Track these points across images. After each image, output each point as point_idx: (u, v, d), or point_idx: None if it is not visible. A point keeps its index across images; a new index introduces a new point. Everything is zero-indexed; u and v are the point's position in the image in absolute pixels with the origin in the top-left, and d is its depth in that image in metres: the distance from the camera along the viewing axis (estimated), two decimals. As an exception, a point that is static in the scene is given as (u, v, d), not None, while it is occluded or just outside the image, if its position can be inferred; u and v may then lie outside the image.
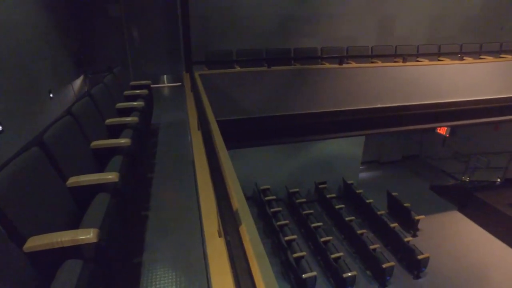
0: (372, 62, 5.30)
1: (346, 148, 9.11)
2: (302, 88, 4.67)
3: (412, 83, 5.26)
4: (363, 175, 10.74)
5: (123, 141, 2.32)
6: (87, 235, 1.27)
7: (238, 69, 4.57)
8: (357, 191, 8.68)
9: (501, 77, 5.95)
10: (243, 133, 4.82)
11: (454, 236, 8.18)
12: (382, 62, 5.21)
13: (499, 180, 9.27)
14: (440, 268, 7.08)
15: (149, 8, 5.92)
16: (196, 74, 4.14)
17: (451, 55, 5.86)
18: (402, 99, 5.24)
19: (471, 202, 8.74)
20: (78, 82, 4.77)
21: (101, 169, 2.11)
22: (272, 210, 7.81)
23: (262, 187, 8.70)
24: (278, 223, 7.36)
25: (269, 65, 4.44)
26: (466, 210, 8.88)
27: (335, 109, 4.81)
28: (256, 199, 8.90)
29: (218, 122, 4.43)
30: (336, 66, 4.71)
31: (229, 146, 4.85)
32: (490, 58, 5.89)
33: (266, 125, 4.74)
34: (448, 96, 5.58)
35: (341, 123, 4.99)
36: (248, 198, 9.04)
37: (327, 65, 4.80)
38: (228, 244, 0.93)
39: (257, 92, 4.55)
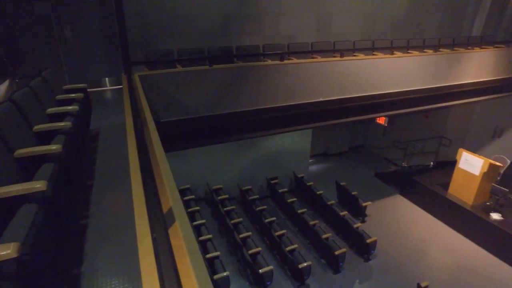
0: (312, 58, 5.49)
1: (295, 142, 9.37)
2: (246, 85, 4.71)
3: (350, 76, 5.55)
4: (312, 167, 11.12)
5: (54, 147, 2.17)
6: (6, 251, 1.16)
7: (180, 68, 4.48)
8: (308, 184, 8.96)
9: (426, 69, 6.50)
10: (190, 133, 4.75)
11: (397, 218, 8.78)
12: (322, 57, 5.43)
13: (432, 163, 10.10)
14: (387, 248, 7.56)
15: (82, 4, 5.57)
16: (135, 75, 4.00)
17: (384, 49, 6.27)
18: (342, 92, 5.51)
19: (410, 185, 9.44)
20: (2, 88, 4.38)
21: (29, 178, 1.95)
22: (225, 209, 7.80)
23: (214, 187, 8.65)
24: (232, 221, 7.37)
25: (210, 64, 4.42)
26: (406, 193, 9.58)
27: (279, 105, 4.92)
28: (209, 199, 8.84)
29: (163, 123, 4.34)
30: (278, 62, 4.82)
31: (176, 147, 4.78)
32: (416, 53, 6.39)
33: (213, 124, 4.71)
34: (383, 88, 5.97)
35: (286, 118, 5.12)
36: (200, 199, 8.94)
37: (269, 62, 4.89)
38: (154, 242, 0.91)
39: (201, 91, 4.51)
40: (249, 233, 7.08)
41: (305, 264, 6.33)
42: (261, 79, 4.77)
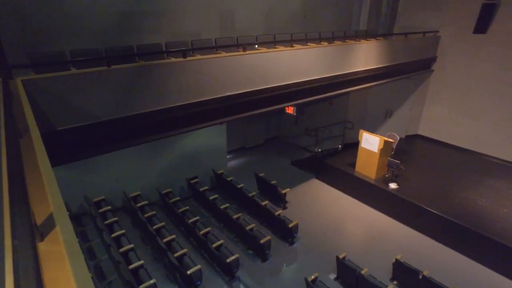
0: (216, 54, 5.54)
1: (210, 139, 9.38)
2: (151, 85, 4.55)
3: (254, 70, 5.75)
4: (232, 163, 11.29)
5: None
6: None
7: (74, 71, 4.13)
8: (228, 179, 9.07)
9: (323, 60, 7.07)
10: (94, 139, 4.43)
11: (315, 200, 9.42)
12: (226, 52, 5.51)
13: (340, 146, 11.06)
14: (309, 229, 8.07)
15: None
16: (17, 80, 3.56)
17: (284, 43, 6.63)
18: (248, 85, 5.68)
19: (323, 169, 10.20)
20: None
21: None
22: (146, 215, 7.48)
23: (132, 195, 8.21)
24: (155, 227, 7.11)
25: (109, 64, 4.16)
26: (321, 176, 10.33)
27: (187, 102, 4.87)
28: (128, 208, 8.38)
29: (60, 132, 3.95)
30: (181, 59, 4.75)
31: (78, 156, 4.41)
32: (313, 45, 6.90)
33: (119, 128, 4.45)
34: (287, 79, 6.32)
35: (195, 115, 5.09)
36: (118, 209, 8.43)
37: (173, 59, 4.80)
38: (14, 249, 0.85)
39: (102, 93, 4.22)
40: (173, 236, 6.91)
41: (232, 258, 6.42)
42: (166, 77, 4.66)
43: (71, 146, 4.21)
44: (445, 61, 10.95)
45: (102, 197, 7.97)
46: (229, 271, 6.63)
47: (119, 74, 4.24)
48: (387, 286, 5.80)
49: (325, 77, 7.11)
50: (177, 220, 8.19)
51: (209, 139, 9.33)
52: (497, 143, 10.36)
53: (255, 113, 6.05)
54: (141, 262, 6.04)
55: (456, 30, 10.46)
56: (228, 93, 5.35)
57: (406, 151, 10.88)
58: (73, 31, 5.80)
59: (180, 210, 7.80)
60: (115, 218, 7.28)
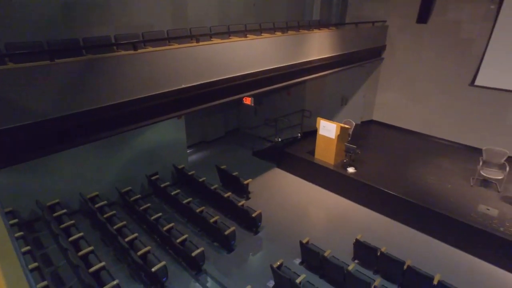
0: (169, 45, 5.40)
1: (169, 134, 9.19)
2: (101, 79, 4.34)
3: (209, 61, 5.67)
4: (193, 157, 11.17)
5: None
6: None
7: (11, 65, 3.84)
8: (190, 173, 8.97)
9: (278, 49, 7.14)
10: (40, 139, 4.17)
11: (277, 189, 9.58)
12: (179, 44, 5.39)
13: (299, 134, 11.30)
14: (272, 218, 8.21)
15: None
16: None
17: (239, 33, 6.60)
18: (203, 77, 5.60)
19: (284, 157, 10.38)
20: None
21: None
22: (105, 216, 7.21)
23: (89, 196, 7.87)
24: (115, 227, 6.89)
25: (52, 58, 3.92)
26: (282, 165, 10.51)
27: (141, 96, 4.71)
28: (86, 210, 8.03)
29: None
30: (132, 52, 4.58)
31: (22, 158, 4.14)
32: (267, 35, 6.94)
33: (68, 125, 4.22)
34: (242, 69, 6.32)
35: (149, 109, 4.94)
36: (76, 212, 8.06)
37: (123, 52, 4.62)
38: None
39: (46, 89, 3.95)
40: (135, 235, 6.75)
41: (198, 251, 6.40)
42: (117, 71, 4.46)
43: (12, 147, 3.94)
44: (393, 50, 11.49)
45: (57, 201, 7.57)
46: (195, 265, 6.60)
47: (64, 69, 4.00)
48: (348, 265, 6.08)
49: (280, 66, 7.19)
50: (139, 218, 7.99)
51: (168, 134, 9.14)
52: (442, 125, 11.11)
53: (211, 105, 5.99)
54: (102, 263, 5.85)
55: (402, 20, 11.00)
56: (183, 85, 5.25)
57: (362, 136, 11.35)
58: (7, 23, 5.37)
59: (141, 208, 7.62)
60: (71, 221, 6.96)
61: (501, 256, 6.88)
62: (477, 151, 9.09)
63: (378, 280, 5.83)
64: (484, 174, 8.36)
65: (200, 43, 5.46)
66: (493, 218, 7.32)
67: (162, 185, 8.48)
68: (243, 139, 12.78)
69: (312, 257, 6.54)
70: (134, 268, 6.57)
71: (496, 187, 8.46)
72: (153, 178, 8.81)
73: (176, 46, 5.20)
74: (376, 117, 12.72)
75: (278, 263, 6.08)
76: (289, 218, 8.34)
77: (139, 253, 6.20)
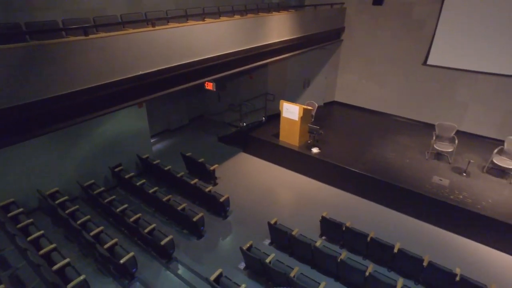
0: (123, 30, 5.17)
1: (131, 124, 8.92)
2: (50, 67, 4.07)
3: (167, 46, 5.50)
4: (157, 146, 10.94)
5: None
6: None
7: None
8: (154, 162, 8.80)
9: (238, 33, 7.05)
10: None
11: (244, 173, 9.65)
12: (134, 29, 5.18)
13: (264, 118, 11.37)
14: (241, 202, 8.29)
15: None
16: None
17: (196, 17, 6.44)
18: (162, 63, 5.44)
19: (249, 142, 10.43)
20: None
21: None
22: (67, 211, 6.94)
23: (48, 192, 7.52)
24: (79, 222, 6.66)
25: (-11, 45, 3.62)
26: (248, 150, 10.57)
27: (95, 84, 4.50)
28: (46, 207, 7.68)
29: None
30: (83, 38, 4.33)
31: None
32: (226, 18, 6.83)
33: (13, 118, 3.94)
34: (202, 54, 6.21)
35: (106, 98, 4.74)
36: (34, 210, 7.69)
37: (72, 38, 4.36)
38: None
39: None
40: (101, 228, 6.57)
41: (167, 239, 6.36)
42: (67, 58, 4.20)
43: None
44: (352, 31, 11.75)
45: (11, 200, 7.16)
46: (165, 254, 6.57)
47: (6, 56, 3.73)
48: (316, 241, 6.31)
49: (240, 50, 7.14)
50: (104, 212, 7.77)
51: (129, 124, 8.86)
52: (399, 104, 11.62)
53: (172, 92, 5.85)
54: (67, 260, 5.66)
55: (359, 2, 11.23)
56: (140, 72, 5.08)
57: (325, 117, 11.63)
58: None
59: (106, 201, 7.40)
60: (29, 220, 6.63)
61: (454, 222, 7.43)
62: (431, 127, 9.62)
63: (344, 253, 6.11)
64: (437, 148, 8.89)
65: (157, 28, 5.28)
66: (445, 188, 7.85)
67: (127, 176, 8.26)
68: (208, 125, 12.67)
69: (281, 237, 6.71)
70: (101, 261, 6.43)
71: (447, 159, 9.05)
72: (116, 169, 8.56)
73: (131, 31, 4.99)
74: (338, 98, 13.05)
75: (248, 245, 6.19)
76: (257, 200, 8.46)
77: (106, 246, 6.06)
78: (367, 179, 8.36)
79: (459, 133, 9.16)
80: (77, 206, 7.19)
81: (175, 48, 5.63)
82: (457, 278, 5.66)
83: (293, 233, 6.48)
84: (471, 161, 8.39)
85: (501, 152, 8.43)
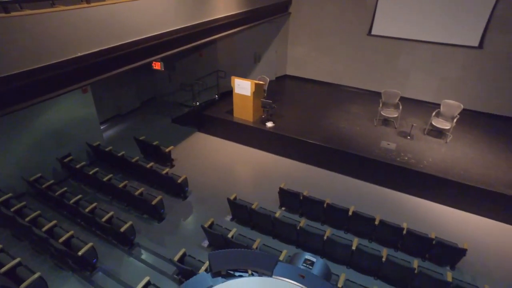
0: (54, 8, 4.76)
1: (77, 111, 8.42)
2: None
3: (106, 24, 5.16)
4: (109, 132, 10.48)
5: None
6: None
7: None
8: (106, 149, 8.44)
9: (181, 9, 6.76)
10: None
11: (201, 152, 9.58)
12: (66, 6, 4.78)
13: (216, 96, 11.24)
14: (199, 181, 8.27)
15: None
16: None
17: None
18: (102, 43, 5.13)
19: (204, 121, 10.31)
20: None
21: None
22: (13, 209, 6.52)
23: (-13, 191, 6.99)
24: (27, 218, 6.30)
25: None
26: (203, 129, 10.46)
27: (26, 69, 4.15)
28: (-12, 207, 7.14)
29: None
30: (3, 15, 3.92)
31: None
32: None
33: None
34: (144, 32, 5.91)
35: (41, 84, 4.39)
36: (-25, 211, 7.11)
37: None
38: None
39: None
40: (54, 222, 6.28)
41: (126, 226, 6.24)
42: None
43: None
44: (299, 4, 11.76)
45: None
46: (126, 240, 6.46)
47: None
48: (275, 212, 6.52)
49: (186, 26, 6.90)
50: (56, 205, 7.39)
51: (75, 111, 8.35)
52: (348, 74, 12.00)
53: (116, 73, 5.56)
54: (17, 260, 5.37)
55: (304, -28, 11.21)
56: (79, 53, 4.75)
57: (277, 91, 11.74)
58: None
59: (57, 194, 7.04)
60: (-31, 222, 6.16)
61: (401, 182, 8.00)
62: (378, 95, 10.09)
63: (302, 221, 6.39)
64: (384, 114, 9.39)
65: (92, 4, 4.92)
66: (392, 151, 8.38)
67: (78, 166, 7.87)
68: (160, 107, 12.30)
69: (241, 212, 6.84)
70: (58, 256, 6.18)
71: (394, 124, 9.61)
72: (65, 160, 8.11)
73: (62, 8, 4.61)
74: (290, 71, 13.18)
75: (209, 222, 6.25)
76: (215, 178, 8.49)
77: (61, 240, 5.83)
78: (321, 149, 8.67)
79: (403, 99, 9.71)
80: (24, 203, 6.77)
81: (114, 26, 5.31)
82: (404, 232, 6.18)
83: (253, 206, 6.64)
84: (414, 124, 8.97)
85: (438, 115, 9.10)
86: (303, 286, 1.60)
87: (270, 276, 1.66)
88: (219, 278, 1.71)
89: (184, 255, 5.60)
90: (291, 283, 1.61)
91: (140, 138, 8.84)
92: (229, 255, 1.75)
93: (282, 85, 12.66)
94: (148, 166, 7.84)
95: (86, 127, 8.72)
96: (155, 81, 12.59)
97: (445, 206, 7.64)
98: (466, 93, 10.22)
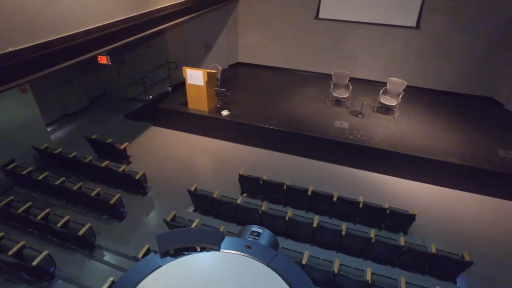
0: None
1: (17, 113, 7.81)
2: None
3: (40, 16, 4.80)
4: (57, 134, 9.89)
5: None
6: None
7: None
8: (56, 152, 7.99)
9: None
10: None
11: (157, 146, 9.36)
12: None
13: (169, 88, 10.98)
14: (159, 176, 8.11)
15: None
16: None
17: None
18: (38, 36, 4.78)
19: (158, 114, 10.06)
20: None
21: None
22: (-48, 224, 6.03)
23: None
24: (-31, 233, 5.86)
25: None
26: (158, 122, 10.21)
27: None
28: None
29: None
30: None
31: None
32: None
33: None
34: (84, 25, 5.62)
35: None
36: None
37: None
38: None
39: None
40: (1, 234, 5.89)
41: (85, 228, 6.01)
42: None
43: None
44: (246, -11, 11.71)
45: None
46: (86, 244, 6.23)
47: None
48: (237, 199, 6.59)
49: (131, 17, 6.64)
50: (2, 216, 6.91)
51: (14, 112, 7.75)
52: (299, 58, 12.23)
53: (56, 70, 5.24)
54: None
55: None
56: (10, 49, 4.42)
57: (231, 79, 11.71)
58: None
59: (2, 204, 6.58)
60: None
61: (355, 159, 8.40)
62: (329, 77, 10.40)
63: (264, 205, 6.52)
64: (335, 95, 9.73)
65: (21, -3, 4.57)
66: (345, 130, 8.74)
67: (24, 172, 7.39)
68: (111, 103, 11.79)
69: (203, 202, 6.85)
70: (9, 271, 5.81)
71: (345, 104, 10.00)
72: (9, 167, 7.56)
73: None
74: (242, 59, 13.17)
75: (171, 216, 6.19)
76: (175, 171, 8.39)
77: (11, 252, 5.48)
78: (278, 133, 8.84)
79: (352, 79, 10.11)
80: (-37, 217, 6.28)
81: (50, 18, 4.98)
82: (361, 205, 6.54)
83: (214, 195, 6.66)
84: (364, 103, 9.40)
85: (385, 92, 9.60)
86: (250, 256, 1.67)
87: (218, 250, 1.72)
88: (168, 258, 1.74)
89: (148, 251, 5.51)
90: (238, 254, 1.68)
91: (92, 137, 8.45)
92: (176, 235, 1.78)
93: (235, 73, 12.64)
94: (103, 165, 7.55)
95: (30, 129, 8.15)
96: (104, 76, 12.02)
97: (396, 177, 8.16)
98: (408, 71, 10.85)
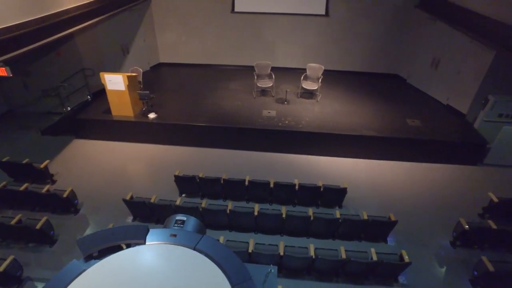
0: None
1: None
2: None
3: None
4: (-42, 162, 8.70)
5: None
6: None
7: None
8: (-40, 182, 7.06)
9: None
10: None
11: (84, 159, 8.73)
12: None
13: (89, 97, 10.28)
14: (89, 189, 7.61)
15: None
16: None
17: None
18: None
19: (80, 125, 9.38)
20: None
21: None
22: None
23: None
24: None
25: None
26: (81, 134, 9.51)
27: None
28: None
29: None
30: None
31: None
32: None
33: None
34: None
35: None
36: None
37: None
38: None
39: None
40: None
41: (6, 263, 5.43)
42: None
43: None
44: (157, -13, 11.38)
45: None
46: (11, 279, 5.64)
47: None
48: (175, 201, 6.50)
49: (29, 21, 6.06)
50: None
51: None
52: (220, 53, 12.31)
53: None
54: None
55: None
56: None
57: (154, 81, 11.38)
58: None
59: None
60: None
61: (286, 144, 8.78)
62: (252, 68, 10.65)
63: (204, 202, 6.54)
64: (260, 85, 10.02)
65: None
66: (273, 118, 9.08)
67: None
68: (22, 120, 10.67)
69: (141, 209, 6.63)
70: None
71: (270, 93, 10.35)
72: None
73: None
74: (163, 59, 12.84)
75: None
76: (107, 183, 7.96)
77: None
78: (208, 129, 8.85)
79: (274, 69, 10.48)
80: None
81: None
82: (297, 187, 6.89)
83: (152, 200, 6.49)
84: (288, 90, 9.83)
85: (306, 78, 10.14)
86: (176, 243, 1.73)
87: (144, 243, 1.75)
88: (92, 261, 1.73)
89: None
90: (164, 244, 1.73)
91: (4, 160, 7.61)
92: (98, 236, 1.77)
93: (158, 74, 12.30)
94: (22, 188, 6.87)
95: None
96: (7, 91, 10.80)
97: (326, 157, 8.73)
98: (324, 56, 11.57)
